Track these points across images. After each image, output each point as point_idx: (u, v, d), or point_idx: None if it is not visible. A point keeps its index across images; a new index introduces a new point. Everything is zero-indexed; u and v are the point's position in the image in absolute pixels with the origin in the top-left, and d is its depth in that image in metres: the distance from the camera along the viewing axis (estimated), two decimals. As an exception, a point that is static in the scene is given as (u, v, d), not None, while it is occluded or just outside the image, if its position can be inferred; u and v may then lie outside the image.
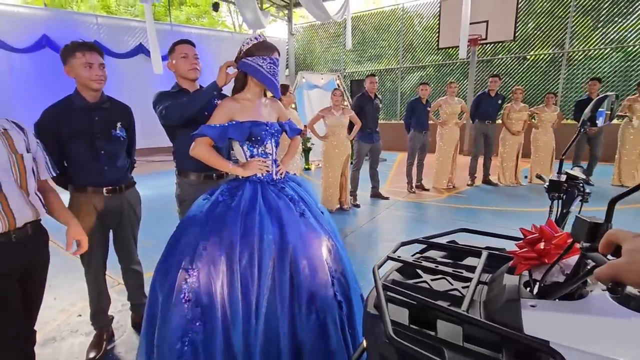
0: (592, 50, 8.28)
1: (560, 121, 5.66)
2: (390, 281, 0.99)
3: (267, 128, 1.52)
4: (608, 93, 0.98)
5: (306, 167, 7.43)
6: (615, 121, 5.57)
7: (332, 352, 1.30)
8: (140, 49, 8.70)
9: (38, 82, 7.27)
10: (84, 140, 1.69)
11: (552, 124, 5.54)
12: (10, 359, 1.27)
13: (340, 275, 1.44)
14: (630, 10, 7.77)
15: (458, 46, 7.09)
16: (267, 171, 1.54)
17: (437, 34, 8.95)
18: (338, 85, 7.86)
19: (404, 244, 1.12)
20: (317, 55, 12.59)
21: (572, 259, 0.70)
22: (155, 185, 5.77)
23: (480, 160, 5.72)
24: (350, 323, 1.40)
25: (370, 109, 4.59)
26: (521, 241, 0.81)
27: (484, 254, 1.01)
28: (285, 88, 4.04)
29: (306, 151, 7.27)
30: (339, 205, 4.48)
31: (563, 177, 0.98)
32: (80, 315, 2.21)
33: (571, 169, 1.03)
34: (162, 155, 8.66)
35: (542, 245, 0.76)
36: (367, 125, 4.55)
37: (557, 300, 0.71)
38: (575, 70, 8.51)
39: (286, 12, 11.97)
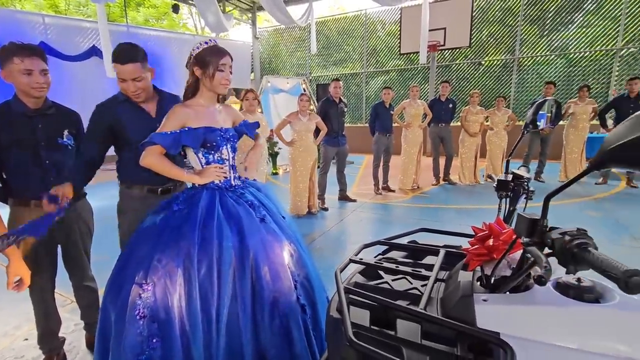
0: (539, 57, 8.95)
1: (515, 123, 6.04)
2: (352, 284, 0.99)
3: (222, 133, 1.48)
4: (547, 97, 1.06)
5: (274, 171, 7.36)
6: (560, 122, 6.02)
7: (297, 355, 1.29)
8: (94, 51, 8.22)
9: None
10: (26, 150, 1.55)
11: (505, 126, 5.89)
12: None
13: (303, 279, 1.43)
14: (571, 20, 8.49)
15: (419, 52, 7.36)
16: (225, 177, 1.50)
17: (398, 40, 9.26)
18: (304, 89, 7.88)
19: (366, 246, 1.14)
20: (283, 59, 12.56)
21: (518, 254, 0.74)
22: (108, 196, 5.32)
23: (441, 160, 5.96)
24: (315, 326, 1.40)
25: (335, 113, 4.64)
26: (473, 239, 0.85)
27: (442, 252, 1.04)
28: (251, 93, 3.99)
29: (273, 156, 7.21)
30: (307, 209, 4.48)
31: (510, 177, 1.04)
32: (26, 339, 2.03)
33: (517, 169, 1.09)
34: (114, 164, 8.18)
35: (491, 241, 0.80)
36: (332, 129, 4.59)
37: (507, 293, 0.74)
38: (525, 75, 9.14)
39: (250, 15, 11.86)
